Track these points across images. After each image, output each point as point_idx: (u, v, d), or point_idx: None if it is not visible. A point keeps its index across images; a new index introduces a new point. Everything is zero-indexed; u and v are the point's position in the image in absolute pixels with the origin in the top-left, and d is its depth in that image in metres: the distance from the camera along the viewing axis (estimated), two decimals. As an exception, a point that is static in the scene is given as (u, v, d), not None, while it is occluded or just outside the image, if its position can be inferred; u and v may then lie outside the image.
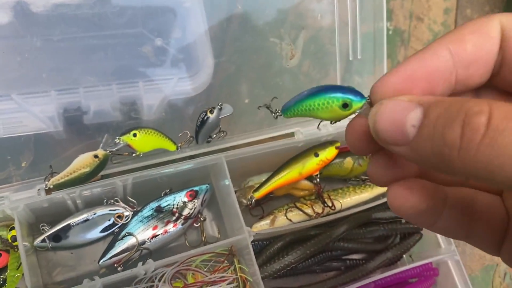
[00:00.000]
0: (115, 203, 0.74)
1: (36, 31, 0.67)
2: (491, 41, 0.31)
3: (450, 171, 0.27)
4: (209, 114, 0.73)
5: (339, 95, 0.36)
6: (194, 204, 0.77)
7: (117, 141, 0.69)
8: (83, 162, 0.67)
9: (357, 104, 0.35)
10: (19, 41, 0.67)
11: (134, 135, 0.69)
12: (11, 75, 0.68)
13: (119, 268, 0.72)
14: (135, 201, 0.74)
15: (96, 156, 0.68)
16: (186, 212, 0.76)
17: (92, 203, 0.72)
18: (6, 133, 0.69)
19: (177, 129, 0.76)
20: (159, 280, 0.71)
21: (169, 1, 0.77)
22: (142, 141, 0.70)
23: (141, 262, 0.68)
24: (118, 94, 0.73)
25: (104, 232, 0.73)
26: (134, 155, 0.71)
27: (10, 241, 0.65)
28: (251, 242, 0.70)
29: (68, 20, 0.71)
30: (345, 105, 0.36)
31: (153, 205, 0.76)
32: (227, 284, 0.74)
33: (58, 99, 0.70)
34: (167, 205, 0.76)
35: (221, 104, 0.74)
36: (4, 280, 0.67)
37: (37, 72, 0.69)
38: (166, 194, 0.77)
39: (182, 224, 0.76)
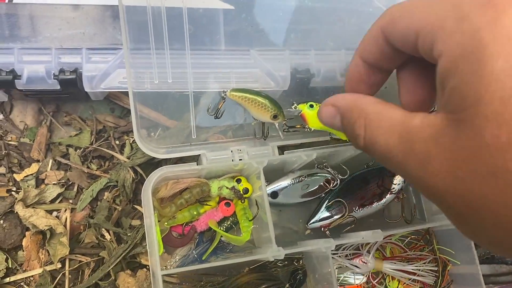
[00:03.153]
0: (325, 168, 0.74)
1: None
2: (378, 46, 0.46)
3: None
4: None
5: None
6: (398, 180, 0.76)
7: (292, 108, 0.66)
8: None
9: None
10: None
11: (311, 106, 0.65)
12: (253, 32, 0.68)
13: (327, 232, 0.74)
14: (347, 170, 0.74)
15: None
16: (390, 186, 0.76)
17: (304, 166, 0.73)
18: (238, 87, 0.71)
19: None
20: (368, 251, 0.73)
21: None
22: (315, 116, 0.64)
23: (359, 230, 0.69)
24: (345, 60, 0.72)
25: (312, 195, 0.74)
26: (305, 128, 0.66)
27: (242, 192, 0.67)
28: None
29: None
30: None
31: (360, 175, 0.76)
32: (424, 263, 0.75)
33: (291, 59, 0.70)
34: (372, 177, 0.76)
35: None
36: (228, 227, 0.69)
37: (284, 30, 0.69)
38: (368, 166, 0.77)
39: (385, 198, 0.76)
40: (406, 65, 0.48)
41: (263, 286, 0.66)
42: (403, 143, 0.37)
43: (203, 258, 0.66)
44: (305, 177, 0.73)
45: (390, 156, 0.38)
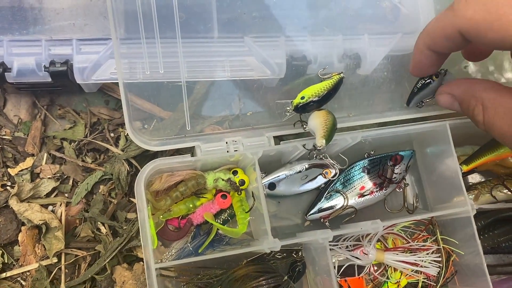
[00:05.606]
0: (324, 159, 0.72)
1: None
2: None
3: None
4: (434, 78, 0.69)
5: None
6: (399, 169, 0.74)
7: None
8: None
9: None
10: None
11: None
12: (247, 18, 0.66)
13: (327, 224, 0.72)
14: (346, 159, 0.72)
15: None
16: (391, 176, 0.74)
17: (302, 156, 0.72)
18: (232, 76, 0.69)
19: (394, 90, 0.73)
20: (368, 241, 0.71)
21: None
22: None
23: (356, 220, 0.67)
24: (343, 46, 0.70)
25: (310, 186, 0.73)
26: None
27: (238, 184, 0.66)
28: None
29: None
30: None
31: (360, 165, 0.74)
32: (427, 254, 0.73)
33: (286, 46, 0.68)
34: (373, 167, 0.74)
35: (445, 70, 0.69)
36: (225, 220, 0.68)
37: (279, 16, 0.67)
38: (369, 156, 0.75)
39: (386, 188, 0.74)
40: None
41: (261, 278, 0.64)
42: None
43: (200, 251, 0.65)
44: (304, 168, 0.72)
45: (505, 136, 0.50)
